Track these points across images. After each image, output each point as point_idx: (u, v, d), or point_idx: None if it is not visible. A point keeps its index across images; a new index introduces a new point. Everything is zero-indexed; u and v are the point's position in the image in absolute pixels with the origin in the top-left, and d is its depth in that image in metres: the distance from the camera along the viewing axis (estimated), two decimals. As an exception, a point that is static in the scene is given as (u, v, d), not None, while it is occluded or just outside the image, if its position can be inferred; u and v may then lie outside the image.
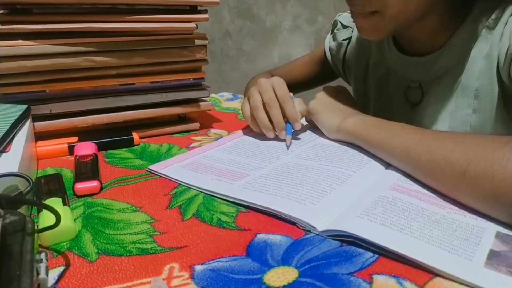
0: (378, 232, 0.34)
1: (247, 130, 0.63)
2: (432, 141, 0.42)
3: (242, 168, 0.49)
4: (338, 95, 0.62)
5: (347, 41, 0.76)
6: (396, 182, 0.44)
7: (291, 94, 0.61)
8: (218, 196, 0.43)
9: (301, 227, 0.37)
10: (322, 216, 0.37)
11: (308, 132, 0.62)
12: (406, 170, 0.46)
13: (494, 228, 0.35)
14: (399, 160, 0.46)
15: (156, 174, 0.49)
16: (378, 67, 0.70)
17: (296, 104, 0.60)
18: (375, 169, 0.48)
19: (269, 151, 0.55)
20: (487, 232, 0.35)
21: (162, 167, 0.50)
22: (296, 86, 0.86)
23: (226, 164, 0.50)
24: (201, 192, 0.44)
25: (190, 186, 0.45)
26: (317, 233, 0.36)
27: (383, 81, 0.69)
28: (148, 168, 0.50)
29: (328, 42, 0.82)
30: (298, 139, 0.60)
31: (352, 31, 0.76)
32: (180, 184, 0.46)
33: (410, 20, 0.53)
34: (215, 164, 0.50)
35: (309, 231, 0.36)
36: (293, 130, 0.58)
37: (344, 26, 0.77)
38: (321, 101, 0.61)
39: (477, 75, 0.55)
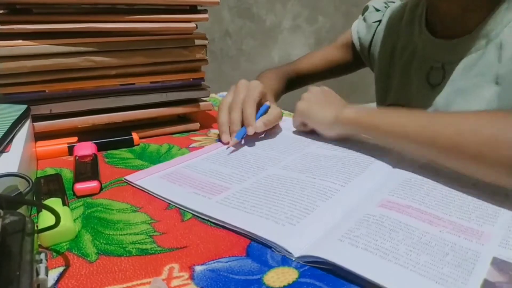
0: (358, 258, 0.31)
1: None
2: (451, 117, 0.43)
3: (224, 180, 0.46)
4: (325, 93, 0.61)
5: (377, 23, 0.78)
6: (385, 197, 0.40)
7: (267, 103, 0.61)
8: (192, 212, 0.40)
9: (277, 252, 0.34)
10: (300, 240, 0.34)
11: (300, 140, 0.59)
12: (418, 150, 0.45)
13: (491, 252, 0.32)
14: (411, 139, 0.45)
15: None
16: (405, 51, 0.71)
17: (271, 111, 0.60)
18: (366, 182, 0.45)
19: (256, 160, 0.52)
20: (483, 257, 0.31)
21: (139, 178, 0.47)
22: (318, 75, 0.88)
23: (208, 175, 0.47)
24: (176, 206, 0.41)
25: (164, 200, 0.42)
26: (293, 259, 0.33)
27: (407, 65, 0.70)
28: (124, 179, 0.47)
29: (356, 26, 0.83)
30: (271, 134, 0.60)
31: (383, 15, 0.78)
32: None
33: None
34: (196, 175, 0.47)
35: (285, 256, 0.33)
36: (244, 135, 0.57)
37: (377, 10, 0.79)
38: (309, 100, 0.60)
39: (506, 62, 0.55)
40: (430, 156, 0.44)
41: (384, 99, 0.77)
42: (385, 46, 0.76)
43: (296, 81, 0.87)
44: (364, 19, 0.81)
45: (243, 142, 0.58)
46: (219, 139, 0.61)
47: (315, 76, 0.89)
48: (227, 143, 0.57)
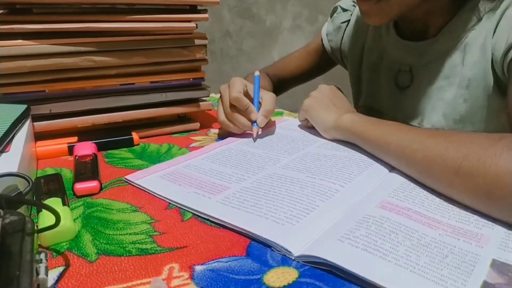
0: (358, 259, 0.31)
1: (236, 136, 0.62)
2: (427, 138, 0.43)
3: (223, 179, 0.46)
4: (333, 94, 0.62)
5: (345, 23, 0.77)
6: (385, 199, 0.40)
7: (256, 73, 0.62)
8: (192, 212, 0.40)
9: (277, 251, 0.34)
10: (300, 239, 0.34)
11: (300, 140, 0.59)
12: (400, 167, 0.46)
13: (490, 255, 0.32)
14: (393, 157, 0.46)
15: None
16: (373, 51, 0.71)
17: (265, 99, 0.61)
18: (365, 183, 0.44)
19: (256, 159, 0.52)
20: (482, 260, 0.31)
21: (139, 177, 0.47)
22: (292, 80, 0.87)
23: (208, 174, 0.48)
24: (176, 206, 0.42)
25: (164, 199, 0.43)
26: (293, 258, 0.33)
27: (376, 65, 0.70)
28: (124, 178, 0.47)
29: (326, 29, 0.82)
30: (271, 133, 0.60)
31: (351, 14, 0.77)
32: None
33: (415, 4, 0.54)
34: (196, 175, 0.48)
35: (285, 255, 0.33)
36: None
37: (344, 10, 0.78)
38: (316, 99, 0.61)
39: (471, 65, 0.56)
40: (409, 174, 0.45)
41: (357, 102, 0.77)
42: (355, 47, 0.75)
43: (276, 86, 0.87)
44: (333, 20, 0.80)
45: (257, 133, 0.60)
46: (219, 139, 0.61)
47: (292, 83, 0.88)
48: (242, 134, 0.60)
